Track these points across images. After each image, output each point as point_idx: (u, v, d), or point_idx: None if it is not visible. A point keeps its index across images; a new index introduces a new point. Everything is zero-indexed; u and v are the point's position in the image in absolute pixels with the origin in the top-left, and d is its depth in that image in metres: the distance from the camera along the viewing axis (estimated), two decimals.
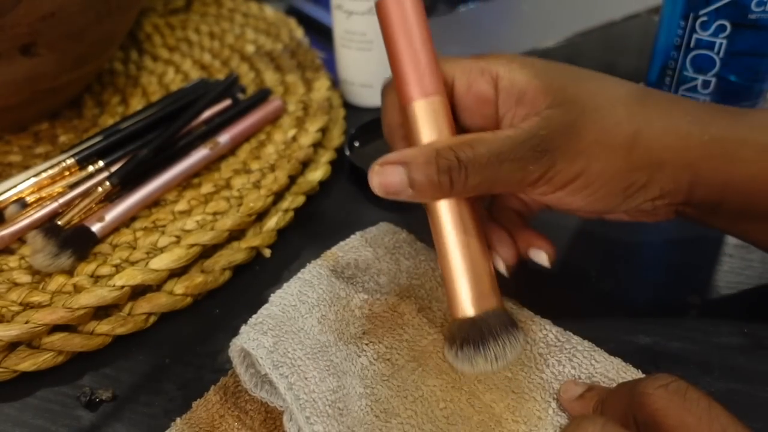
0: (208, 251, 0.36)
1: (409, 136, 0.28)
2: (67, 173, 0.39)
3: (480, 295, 0.27)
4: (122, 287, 0.33)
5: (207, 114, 0.44)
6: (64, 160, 0.39)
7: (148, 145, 0.40)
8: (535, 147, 0.26)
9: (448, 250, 0.27)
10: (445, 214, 0.27)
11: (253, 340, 0.26)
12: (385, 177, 0.26)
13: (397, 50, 0.28)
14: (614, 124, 0.26)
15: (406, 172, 0.26)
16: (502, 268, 0.29)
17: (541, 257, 0.29)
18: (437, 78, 0.28)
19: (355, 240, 0.33)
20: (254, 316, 0.28)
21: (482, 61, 0.28)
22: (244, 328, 0.27)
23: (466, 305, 0.27)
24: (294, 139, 0.44)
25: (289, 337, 0.27)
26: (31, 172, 0.39)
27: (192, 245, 0.35)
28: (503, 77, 0.28)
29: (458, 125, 0.29)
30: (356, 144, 0.45)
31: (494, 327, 0.26)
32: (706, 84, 0.38)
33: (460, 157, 0.25)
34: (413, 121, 0.27)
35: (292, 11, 0.65)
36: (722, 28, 0.35)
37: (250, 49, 0.55)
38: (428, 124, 0.27)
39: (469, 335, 0.26)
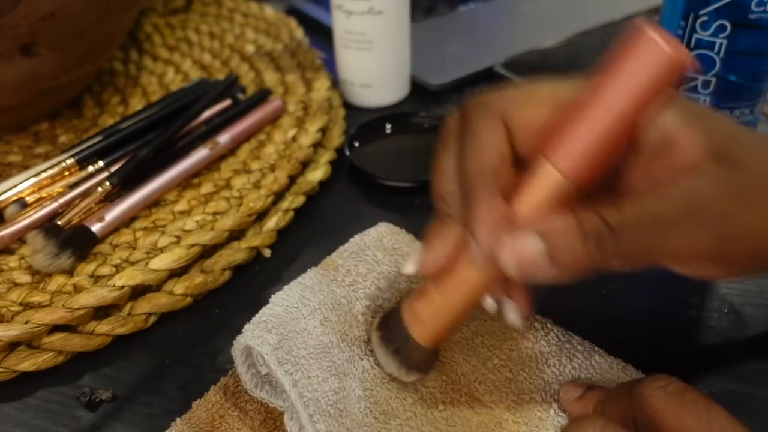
0: (208, 251, 0.36)
1: (517, 189, 0.23)
2: (67, 173, 0.39)
3: (443, 336, 0.26)
4: (122, 287, 0.33)
5: (207, 114, 0.44)
6: (64, 160, 0.39)
7: (148, 145, 0.40)
8: (704, 210, 0.21)
9: (458, 288, 0.25)
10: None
11: (258, 337, 0.26)
12: (520, 248, 0.21)
13: (595, 96, 0.21)
14: None
15: (545, 243, 0.21)
16: (513, 319, 0.26)
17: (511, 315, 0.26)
18: (593, 169, 0.22)
19: (353, 245, 0.33)
20: (257, 315, 0.28)
21: None
22: (247, 327, 0.27)
23: (429, 337, 0.26)
24: (294, 139, 0.44)
25: (293, 337, 0.27)
26: (31, 172, 0.39)
27: (192, 245, 0.35)
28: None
29: None
30: (356, 144, 0.45)
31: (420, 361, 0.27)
32: (706, 84, 0.37)
33: (608, 221, 0.20)
34: (539, 183, 0.22)
35: (292, 11, 0.65)
36: (722, 28, 0.35)
37: (250, 49, 0.55)
38: (552, 200, 0.22)
39: (405, 352, 0.26)
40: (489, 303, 0.26)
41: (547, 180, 0.22)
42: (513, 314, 0.25)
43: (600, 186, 0.23)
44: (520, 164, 0.24)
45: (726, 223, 0.21)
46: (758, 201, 0.21)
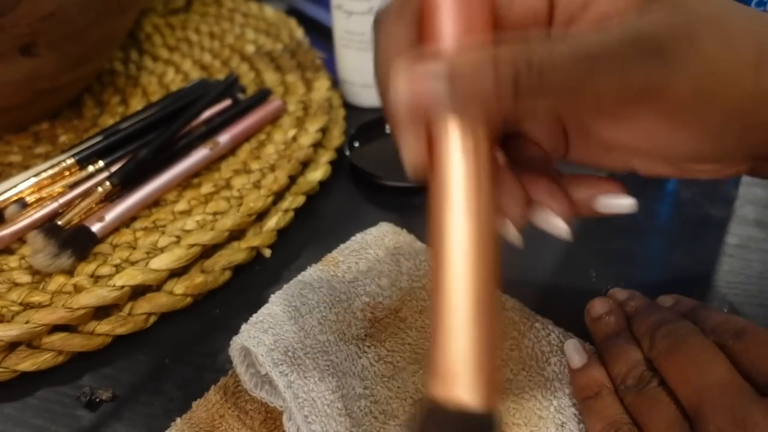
0: (208, 251, 0.36)
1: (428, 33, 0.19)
2: (67, 173, 0.39)
3: (490, 378, 0.17)
4: (122, 287, 0.33)
5: (207, 114, 0.44)
6: (64, 160, 0.39)
7: (148, 145, 0.40)
8: (641, 46, 0.18)
9: (448, 285, 0.18)
10: (458, 204, 0.18)
11: (254, 338, 0.26)
12: (419, 71, 0.18)
13: None
14: (738, 36, 0.20)
15: (448, 68, 0.18)
16: (512, 235, 0.22)
17: (621, 204, 0.22)
18: None
19: (355, 243, 0.33)
20: (255, 315, 0.28)
21: None
22: (244, 327, 0.27)
23: (467, 389, 0.17)
24: (294, 139, 0.44)
25: (290, 336, 0.27)
26: (31, 172, 0.39)
27: (192, 245, 0.35)
28: None
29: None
30: (356, 144, 0.45)
31: None
32: None
33: (531, 60, 0.18)
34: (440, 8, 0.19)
35: (292, 11, 0.65)
36: None
37: (250, 49, 0.55)
38: (465, 18, 0.19)
39: None
40: (512, 232, 0.21)
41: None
42: (556, 221, 0.22)
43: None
44: None
45: (664, 58, 0.18)
46: (698, 37, 0.19)
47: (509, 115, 0.19)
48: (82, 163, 0.40)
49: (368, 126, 0.46)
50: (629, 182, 0.23)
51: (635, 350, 0.26)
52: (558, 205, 0.22)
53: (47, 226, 0.35)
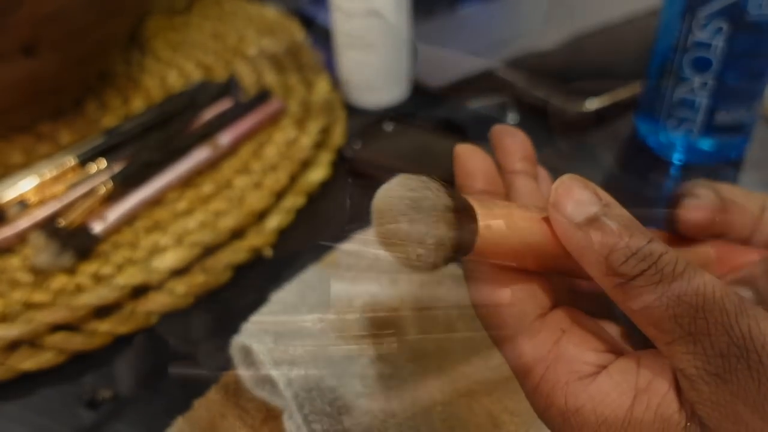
0: (209, 251, 0.36)
1: None
2: (69, 173, 0.40)
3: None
4: (124, 287, 0.33)
5: (208, 115, 0.45)
6: (66, 160, 0.40)
7: (150, 146, 0.40)
8: None
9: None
10: None
11: (254, 337, 0.26)
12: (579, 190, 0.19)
13: None
14: None
15: (600, 213, 0.19)
16: None
17: None
18: None
19: (356, 242, 0.33)
20: (255, 314, 0.28)
21: None
22: (245, 326, 0.27)
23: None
24: (295, 139, 0.44)
25: (290, 335, 0.27)
26: (34, 172, 0.39)
27: (193, 245, 0.35)
28: None
29: None
30: (356, 144, 0.45)
31: None
32: (704, 85, 0.38)
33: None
34: None
35: (293, 13, 0.65)
36: (721, 29, 0.35)
37: (251, 50, 0.55)
38: None
39: None
40: None
41: None
42: None
43: None
44: None
45: None
46: None
47: None
48: (84, 163, 0.40)
49: (369, 127, 0.46)
50: None
51: None
52: None
53: (49, 225, 0.35)
